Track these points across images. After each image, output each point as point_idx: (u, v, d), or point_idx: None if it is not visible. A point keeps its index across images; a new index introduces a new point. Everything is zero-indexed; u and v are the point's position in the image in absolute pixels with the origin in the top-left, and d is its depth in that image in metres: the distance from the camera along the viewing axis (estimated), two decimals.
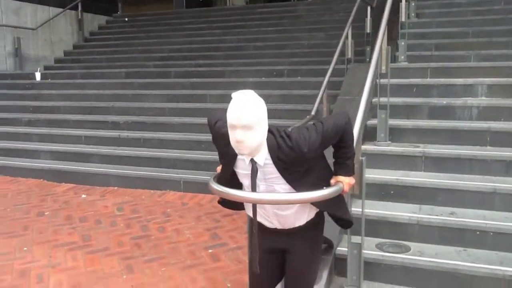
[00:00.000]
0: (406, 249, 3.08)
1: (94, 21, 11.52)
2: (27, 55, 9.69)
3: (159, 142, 5.96)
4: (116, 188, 5.56)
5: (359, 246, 2.78)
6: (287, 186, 2.11)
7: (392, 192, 3.51)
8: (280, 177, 2.09)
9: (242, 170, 2.15)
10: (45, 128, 6.89)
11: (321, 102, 4.61)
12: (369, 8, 6.66)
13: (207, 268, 3.49)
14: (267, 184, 2.13)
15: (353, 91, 4.48)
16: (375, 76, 3.48)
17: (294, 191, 2.11)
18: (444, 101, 4.18)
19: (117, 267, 3.52)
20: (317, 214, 2.29)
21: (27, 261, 3.65)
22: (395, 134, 4.00)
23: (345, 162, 2.23)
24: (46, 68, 9.73)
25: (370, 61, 3.47)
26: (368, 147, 3.88)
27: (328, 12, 9.68)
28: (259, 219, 2.24)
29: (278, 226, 2.26)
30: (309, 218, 2.25)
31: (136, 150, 5.93)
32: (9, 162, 6.24)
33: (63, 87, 8.07)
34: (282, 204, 2.18)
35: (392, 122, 4.03)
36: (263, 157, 2.06)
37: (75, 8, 10.67)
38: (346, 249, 2.87)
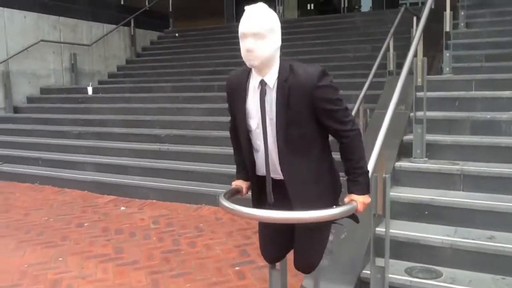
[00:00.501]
0: (438, 275, 2.88)
1: (146, 36, 11.94)
2: (83, 70, 10.17)
3: (197, 155, 6.01)
4: (154, 201, 5.64)
5: (383, 270, 2.62)
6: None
7: (426, 212, 3.31)
8: (272, 111, 2.02)
9: (253, 104, 2.08)
10: (93, 140, 7.15)
11: (357, 115, 4.46)
12: (415, 18, 6.42)
13: (231, 285, 3.43)
14: (271, 123, 2.06)
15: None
16: (406, 89, 3.33)
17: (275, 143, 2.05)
18: (488, 115, 3.92)
19: (144, 281, 3.54)
20: (325, 180, 2.17)
21: (60, 271, 3.75)
22: (433, 150, 3.79)
23: (357, 179, 2.11)
24: (100, 82, 10.17)
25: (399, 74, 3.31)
26: (403, 163, 3.70)
27: (376, 24, 9.47)
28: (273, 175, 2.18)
29: None
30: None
31: (175, 163, 6.01)
32: (58, 174, 6.51)
33: (112, 101, 8.37)
34: (287, 222, 2.11)
35: (430, 137, 3.83)
36: (273, 78, 2.01)
37: (128, 24, 11.11)
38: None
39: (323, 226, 2.27)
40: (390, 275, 2.80)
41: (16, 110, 8.79)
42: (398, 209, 3.36)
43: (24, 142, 7.58)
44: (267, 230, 2.42)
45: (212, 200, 5.30)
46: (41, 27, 9.28)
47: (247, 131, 2.14)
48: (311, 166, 2.09)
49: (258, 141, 2.13)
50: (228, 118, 2.36)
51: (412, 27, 6.49)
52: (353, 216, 2.38)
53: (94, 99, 8.65)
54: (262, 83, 2.03)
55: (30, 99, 9.10)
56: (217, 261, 3.87)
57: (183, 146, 6.28)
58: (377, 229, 3.02)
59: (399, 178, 3.63)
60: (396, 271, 2.92)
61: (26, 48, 8.87)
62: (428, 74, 5.44)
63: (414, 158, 3.71)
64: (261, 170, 2.21)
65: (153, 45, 11.81)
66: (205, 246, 4.19)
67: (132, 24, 11.15)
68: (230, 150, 5.88)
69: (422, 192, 3.45)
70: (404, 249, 3.08)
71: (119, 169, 6.25)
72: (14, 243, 4.39)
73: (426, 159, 3.71)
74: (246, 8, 1.98)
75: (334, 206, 2.07)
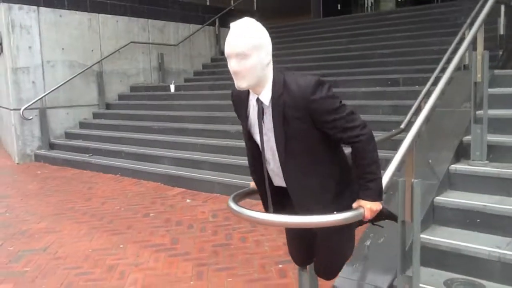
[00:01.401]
0: None
1: None
2: (170, 68, 10.71)
3: None
4: (218, 195, 5.80)
5: (411, 280, 2.46)
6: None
7: (478, 220, 3.02)
8: (272, 128, 1.94)
9: (254, 120, 2.02)
10: (171, 136, 7.51)
11: (418, 112, 4.18)
12: (502, 6, 5.88)
13: (271, 283, 3.43)
14: (271, 139, 1.99)
15: (455, 102, 3.99)
16: (449, 85, 3.06)
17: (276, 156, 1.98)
18: None
19: (189, 273, 3.67)
20: (335, 189, 2.03)
21: (117, 258, 4.02)
22: (497, 153, 3.45)
23: (366, 185, 2.00)
24: (186, 80, 10.65)
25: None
26: (459, 166, 3.41)
27: (466, 13, 8.76)
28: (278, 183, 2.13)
29: None
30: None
31: (241, 158, 6.10)
32: (138, 166, 6.94)
33: (192, 97, 8.73)
34: (287, 226, 2.07)
35: (495, 138, 3.49)
36: (268, 96, 1.92)
37: (213, 24, 11.47)
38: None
39: (341, 233, 2.16)
40: (426, 286, 2.63)
41: (108, 106, 9.52)
42: (447, 215, 3.12)
43: (111, 136, 8.21)
44: (291, 233, 2.40)
45: None
46: (132, 30, 9.94)
47: (254, 143, 2.11)
48: (318, 178, 2.00)
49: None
50: None
51: (499, 16, 5.97)
52: (391, 216, 2.27)
53: (176, 96, 9.08)
54: (258, 102, 1.96)
55: (120, 96, 9.80)
56: (263, 257, 3.89)
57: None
58: (421, 235, 2.85)
59: (454, 181, 3.36)
60: (435, 282, 2.73)
61: (118, 50, 9.56)
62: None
63: (473, 160, 3.41)
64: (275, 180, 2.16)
65: None
66: (254, 242, 4.23)
67: (217, 24, 11.49)
68: None
69: (476, 198, 3.16)
70: (447, 259, 2.85)
71: (191, 163, 6.51)
72: (86, 229, 4.78)
73: (487, 162, 3.38)
74: (231, 25, 1.88)
75: (335, 212, 1.98)
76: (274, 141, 1.98)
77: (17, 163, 8.42)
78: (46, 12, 8.63)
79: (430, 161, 3.41)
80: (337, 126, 1.90)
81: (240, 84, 1.88)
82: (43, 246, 4.35)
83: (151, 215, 5.17)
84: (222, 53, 11.62)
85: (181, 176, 6.26)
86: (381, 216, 2.43)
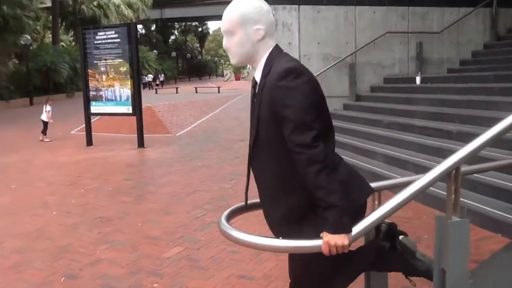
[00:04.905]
0: None
1: None
2: (430, 58, 10.02)
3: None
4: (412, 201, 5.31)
5: None
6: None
7: None
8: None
9: None
10: (393, 131, 7.13)
11: None
12: None
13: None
14: None
15: None
16: None
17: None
18: None
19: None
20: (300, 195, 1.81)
21: None
22: None
23: (323, 214, 1.72)
24: (448, 70, 9.77)
25: None
26: None
27: None
28: None
29: None
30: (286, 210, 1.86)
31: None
32: (353, 160, 6.85)
33: (435, 91, 8.00)
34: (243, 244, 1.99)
35: None
36: (259, 74, 1.85)
37: (489, 5, 10.02)
38: None
39: (312, 263, 1.90)
40: None
41: (358, 98, 9.70)
42: None
43: (349, 128, 8.38)
44: None
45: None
46: (389, 19, 9.76)
47: None
48: (280, 173, 1.83)
49: None
50: None
51: None
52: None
53: (419, 89, 8.49)
54: (254, 81, 1.91)
55: (373, 88, 9.82)
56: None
57: (458, 143, 5.51)
58: None
59: None
60: None
61: (373, 41, 9.60)
62: None
63: None
64: None
65: None
66: None
67: (495, 3, 9.96)
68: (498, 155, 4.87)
69: None
70: None
71: (396, 162, 6.12)
72: None
73: None
74: None
75: (280, 238, 1.79)
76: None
77: None
78: (306, 9, 9.46)
79: None
80: (286, 127, 1.70)
81: (232, 60, 1.90)
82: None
83: None
84: (499, 38, 10.11)
85: (378, 174, 5.96)
86: (414, 270, 2.03)
